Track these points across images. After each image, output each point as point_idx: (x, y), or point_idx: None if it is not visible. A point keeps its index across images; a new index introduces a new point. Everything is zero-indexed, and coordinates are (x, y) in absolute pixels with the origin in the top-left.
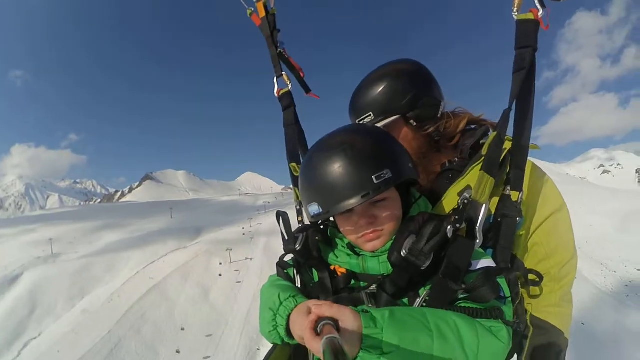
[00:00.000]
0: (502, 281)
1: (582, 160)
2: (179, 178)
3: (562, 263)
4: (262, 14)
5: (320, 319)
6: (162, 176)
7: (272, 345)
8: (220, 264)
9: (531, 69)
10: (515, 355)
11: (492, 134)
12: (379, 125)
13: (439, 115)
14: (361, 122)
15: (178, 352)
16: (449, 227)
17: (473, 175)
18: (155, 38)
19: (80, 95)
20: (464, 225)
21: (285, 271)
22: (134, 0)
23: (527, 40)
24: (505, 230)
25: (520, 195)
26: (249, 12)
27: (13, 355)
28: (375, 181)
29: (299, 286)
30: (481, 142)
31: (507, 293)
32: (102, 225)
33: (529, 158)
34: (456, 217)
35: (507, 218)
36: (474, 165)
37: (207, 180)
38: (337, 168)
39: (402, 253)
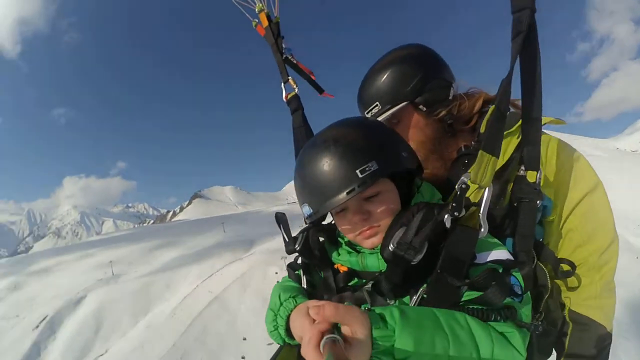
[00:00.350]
0: (518, 275)
1: (631, 131)
2: (227, 193)
3: (601, 249)
4: (265, 23)
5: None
6: (210, 193)
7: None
8: (277, 272)
9: (531, 32)
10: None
11: (490, 108)
12: (386, 114)
13: (450, 98)
14: (369, 114)
15: (243, 358)
16: (446, 216)
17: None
18: (193, 54)
19: (123, 124)
20: (464, 212)
21: (295, 272)
22: (166, 22)
23: (523, 2)
24: (523, 216)
25: (538, 175)
26: (254, 23)
27: None
28: (359, 175)
29: (305, 286)
30: None
31: (527, 291)
32: (158, 244)
33: (554, 134)
34: (453, 204)
35: (524, 202)
36: None
37: (254, 193)
38: (321, 166)
39: (389, 247)
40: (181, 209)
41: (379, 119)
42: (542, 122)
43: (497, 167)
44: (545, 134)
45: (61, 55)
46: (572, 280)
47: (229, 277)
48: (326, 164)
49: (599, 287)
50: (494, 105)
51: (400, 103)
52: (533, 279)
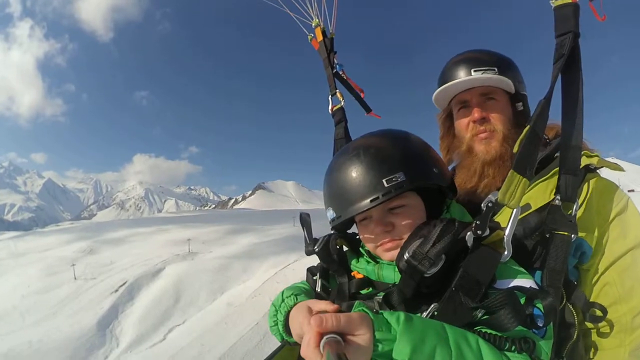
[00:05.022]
0: (541, 307)
1: None
2: (289, 188)
3: (637, 309)
4: (320, 38)
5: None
6: (273, 186)
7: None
8: None
9: (572, 56)
10: None
11: (525, 129)
12: (497, 80)
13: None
14: (478, 71)
15: None
16: (468, 234)
17: (535, 192)
18: (266, 57)
19: (200, 112)
20: (488, 232)
21: (313, 277)
22: (247, 26)
23: (566, 26)
24: (555, 249)
25: (575, 207)
26: (309, 37)
27: (159, 338)
28: (385, 185)
29: (319, 290)
30: (555, 155)
31: (549, 324)
32: (232, 229)
33: (606, 177)
34: (477, 222)
35: (557, 234)
36: (537, 181)
37: (314, 191)
38: (349, 172)
39: (404, 257)
40: (243, 198)
41: (487, 75)
42: (598, 165)
43: (541, 204)
44: (596, 173)
45: (151, 43)
46: (599, 340)
47: (305, 267)
48: (354, 171)
49: (627, 352)
50: (529, 125)
51: (510, 85)
52: (560, 320)
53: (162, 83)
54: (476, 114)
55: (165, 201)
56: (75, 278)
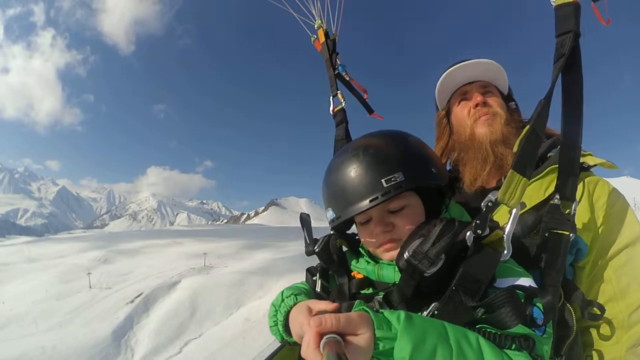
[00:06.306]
0: (541, 305)
1: None
2: (301, 205)
3: (633, 306)
4: (322, 39)
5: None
6: (285, 203)
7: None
8: None
9: (573, 55)
10: None
11: (525, 128)
12: (496, 63)
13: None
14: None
15: None
16: (468, 233)
17: (529, 191)
18: (282, 74)
19: (216, 127)
20: (487, 231)
21: (313, 278)
22: (263, 39)
23: (567, 25)
24: (554, 248)
25: (574, 206)
26: (312, 39)
27: (175, 350)
28: (384, 185)
29: (319, 290)
30: (549, 155)
31: (548, 322)
32: (248, 244)
33: (605, 179)
34: (477, 221)
35: (556, 233)
36: (532, 180)
37: None
38: (348, 172)
39: (404, 256)
40: (256, 214)
41: (490, 61)
42: (592, 163)
43: (538, 201)
44: (590, 171)
45: (171, 58)
46: (596, 338)
47: None
48: (353, 171)
49: (624, 349)
50: (529, 125)
51: (504, 78)
52: (559, 318)
53: (180, 97)
54: (478, 97)
55: (177, 214)
56: (90, 287)
